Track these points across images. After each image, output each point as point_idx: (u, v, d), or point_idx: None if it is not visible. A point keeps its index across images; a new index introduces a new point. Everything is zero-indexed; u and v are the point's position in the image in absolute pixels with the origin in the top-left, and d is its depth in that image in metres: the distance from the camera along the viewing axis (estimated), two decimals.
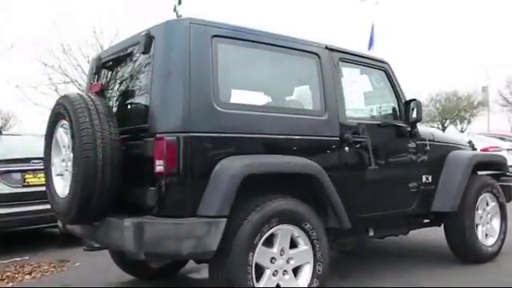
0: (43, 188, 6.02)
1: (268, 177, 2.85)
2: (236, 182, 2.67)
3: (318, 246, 3.06)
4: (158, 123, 2.75)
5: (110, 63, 3.45)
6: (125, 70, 3.28)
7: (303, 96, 3.34)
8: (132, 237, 2.59)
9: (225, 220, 2.65)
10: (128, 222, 2.63)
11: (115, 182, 2.86)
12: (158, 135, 2.70)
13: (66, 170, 3.10)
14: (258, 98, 3.17)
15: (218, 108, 2.82)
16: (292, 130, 3.14)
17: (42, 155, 6.10)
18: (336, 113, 3.41)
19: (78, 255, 4.99)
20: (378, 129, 3.72)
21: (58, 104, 3.06)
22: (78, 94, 3.05)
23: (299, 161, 3.04)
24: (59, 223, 3.73)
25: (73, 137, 2.83)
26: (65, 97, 3.03)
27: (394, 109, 4.00)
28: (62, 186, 3.15)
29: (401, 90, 4.01)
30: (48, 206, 6.10)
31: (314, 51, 3.40)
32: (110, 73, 3.43)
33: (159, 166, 2.66)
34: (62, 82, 17.19)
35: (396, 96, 3.99)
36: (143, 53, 2.93)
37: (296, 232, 2.99)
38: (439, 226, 4.41)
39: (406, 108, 3.95)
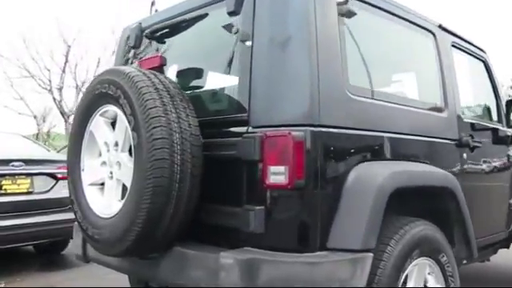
0: (26, 197, 5.15)
1: (409, 191, 2.06)
2: (384, 197, 1.86)
3: (452, 284, 2.30)
4: (274, 113, 1.88)
5: (161, 32, 2.52)
6: (194, 40, 2.38)
7: (421, 85, 2.60)
8: (238, 279, 1.71)
9: (371, 255, 1.83)
10: (230, 259, 1.74)
11: (195, 196, 1.97)
12: (270, 131, 1.83)
13: (111, 178, 2.16)
14: (382, 83, 2.38)
15: (349, 94, 2.00)
16: (415, 129, 2.36)
17: (25, 157, 5.13)
18: (454, 110, 2.67)
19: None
20: (485, 132, 3.03)
21: (102, 82, 2.12)
22: (135, 68, 2.12)
23: (439, 171, 2.27)
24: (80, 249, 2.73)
25: (136, 129, 1.91)
26: (115, 72, 2.09)
27: (490, 109, 3.33)
28: (102, 201, 2.20)
29: (498, 87, 3.35)
30: (30, 220, 5.17)
31: (430, 29, 2.65)
32: (164, 45, 2.51)
33: (276, 174, 1.79)
34: (20, 76, 15.58)
35: (495, 94, 3.31)
36: (232, 14, 2.06)
37: (429, 267, 2.22)
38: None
39: (507, 109, 3.29)
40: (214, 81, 2.25)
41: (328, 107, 1.87)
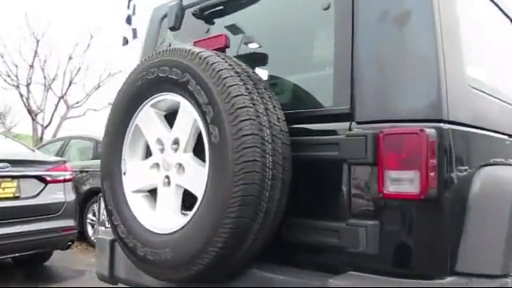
0: (12, 203, 4.52)
1: None
2: None
3: None
4: (389, 105, 1.51)
5: (215, 10, 2.11)
6: (264, 17, 1.98)
7: None
8: None
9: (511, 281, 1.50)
10: None
11: (283, 208, 1.58)
12: (387, 127, 1.47)
13: (167, 184, 1.74)
14: (498, 78, 2.05)
15: (470, 87, 1.66)
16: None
17: (10, 157, 4.53)
18: None
19: None
20: None
21: (159, 65, 1.70)
22: (203, 48, 1.71)
23: None
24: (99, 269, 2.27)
25: (216, 123, 1.50)
26: (179, 52, 1.66)
27: None
28: (153, 212, 1.78)
29: None
30: (16, 229, 4.56)
31: None
32: (218, 25, 2.09)
33: (399, 182, 1.43)
34: None
35: None
36: None
37: None
38: None
39: None
40: (296, 66, 1.86)
41: (454, 100, 1.52)
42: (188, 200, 1.71)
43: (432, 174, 1.40)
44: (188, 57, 1.62)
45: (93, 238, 6.45)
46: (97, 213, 6.47)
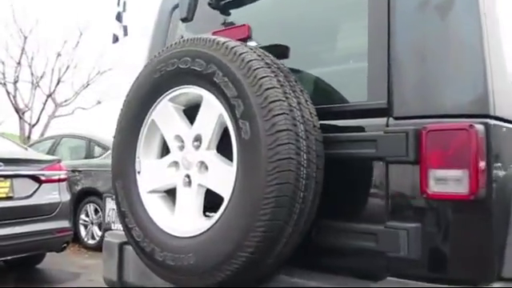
0: (4, 203, 4.31)
1: None
2: None
3: None
4: (432, 100, 1.40)
5: None
6: (285, 4, 1.86)
7: None
8: None
9: None
10: None
11: (315, 209, 1.47)
12: (430, 123, 1.36)
13: (188, 184, 1.61)
14: None
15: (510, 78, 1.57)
16: None
17: (3, 155, 4.34)
18: None
19: None
20: None
21: (180, 55, 1.58)
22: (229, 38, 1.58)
23: None
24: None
25: (247, 117, 1.39)
26: (202, 42, 1.54)
27: None
28: (172, 214, 1.66)
29: None
30: (9, 231, 4.37)
31: None
32: (236, 15, 1.97)
33: (445, 181, 1.33)
34: None
35: None
36: None
37: None
38: None
39: None
40: (326, 58, 1.75)
41: (499, 94, 1.43)
42: (209, 200, 1.60)
43: (481, 172, 1.30)
44: (213, 47, 1.50)
45: (86, 239, 6.28)
46: (90, 213, 6.31)
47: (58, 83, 15.94)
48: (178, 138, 1.66)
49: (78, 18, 15.60)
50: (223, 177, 1.49)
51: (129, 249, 2.09)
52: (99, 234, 6.16)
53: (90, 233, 6.26)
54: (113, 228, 2.40)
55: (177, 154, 1.66)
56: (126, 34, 14.34)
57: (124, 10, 13.98)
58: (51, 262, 5.15)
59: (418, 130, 1.37)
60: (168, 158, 1.69)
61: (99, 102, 16.90)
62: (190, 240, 1.54)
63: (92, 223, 6.25)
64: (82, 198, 6.32)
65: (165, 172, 1.69)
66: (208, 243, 1.47)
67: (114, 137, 1.86)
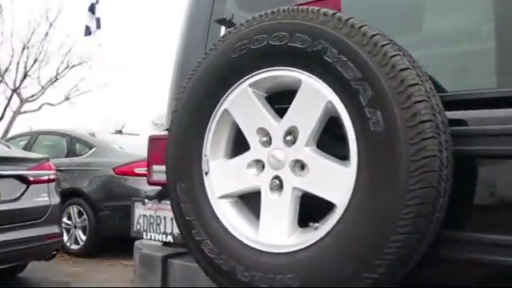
0: None
1: None
2: None
3: None
4: None
5: None
6: None
7: None
8: None
9: None
10: None
11: (443, 215, 1.22)
12: None
13: (278, 188, 1.32)
14: None
15: None
16: None
17: None
18: None
19: None
20: None
21: (271, 30, 1.28)
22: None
23: None
24: None
25: (377, 104, 1.11)
26: (304, 13, 1.25)
27: None
28: (257, 225, 1.36)
29: None
30: None
31: None
32: None
33: None
34: None
35: None
36: None
37: None
38: None
39: None
40: (441, 38, 1.49)
41: None
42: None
43: None
44: (319, 18, 1.22)
45: (68, 244, 5.82)
46: (73, 216, 5.84)
47: (24, 77, 15.05)
48: (262, 131, 1.36)
49: (47, 9, 14.65)
50: (332, 179, 1.21)
51: (175, 263, 1.79)
52: (83, 238, 5.72)
53: (72, 237, 5.80)
54: (144, 237, 2.07)
55: (260, 152, 1.36)
56: (99, 26, 13.77)
57: (97, 1, 13.39)
58: (34, 271, 4.70)
59: None
60: (247, 156, 1.39)
61: (68, 98, 16.12)
62: (287, 257, 1.25)
63: (75, 227, 5.79)
64: (64, 199, 5.81)
65: (243, 173, 1.39)
66: (317, 261, 1.19)
67: (170, 130, 1.54)
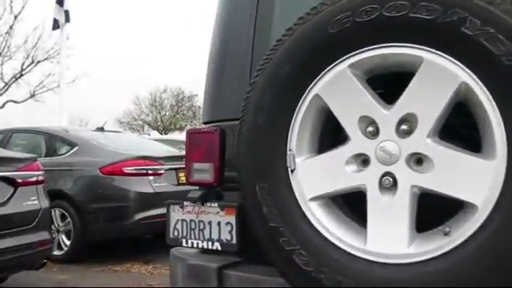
0: None
1: None
2: None
3: None
4: None
5: None
6: None
7: None
8: None
9: None
10: None
11: None
12: None
13: (392, 186, 1.11)
14: None
15: None
16: None
17: None
18: None
19: None
20: None
21: (384, 1, 1.08)
22: None
23: None
24: None
25: None
26: None
27: None
28: (361, 230, 1.15)
29: None
30: None
31: None
32: None
33: None
34: None
35: None
36: None
37: None
38: None
39: None
40: None
41: None
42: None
43: None
44: None
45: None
46: (56, 220, 5.45)
47: None
48: (366, 120, 1.15)
49: (11, 0, 13.86)
50: (469, 175, 1.02)
51: (232, 275, 1.56)
52: (68, 243, 5.34)
53: (55, 242, 5.40)
54: (184, 244, 1.82)
55: (363, 144, 1.15)
56: (68, 20, 13.09)
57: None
58: (17, 279, 4.31)
59: None
60: (345, 150, 1.17)
61: (33, 95, 15.36)
62: (409, 269, 1.05)
63: (58, 231, 5.38)
64: None
65: (340, 170, 1.18)
66: (454, 275, 1.00)
67: (243, 120, 1.31)
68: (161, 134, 30.80)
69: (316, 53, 1.18)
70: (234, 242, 1.66)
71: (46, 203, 3.72)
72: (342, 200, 1.24)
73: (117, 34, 51.06)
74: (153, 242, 6.41)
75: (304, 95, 1.21)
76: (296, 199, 1.21)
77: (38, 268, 3.72)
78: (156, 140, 8.09)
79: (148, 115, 37.99)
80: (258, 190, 1.24)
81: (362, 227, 1.17)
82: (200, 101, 37.42)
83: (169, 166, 5.62)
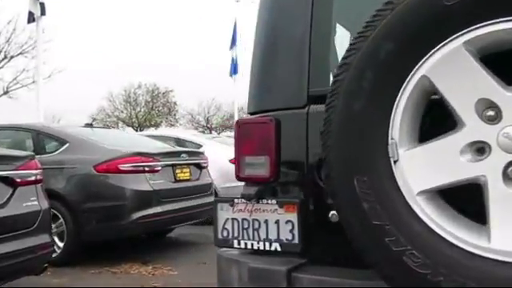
0: None
1: None
2: None
3: None
4: None
5: None
6: None
7: None
8: None
9: None
10: None
11: None
12: None
13: None
14: None
15: None
16: None
17: None
18: None
19: None
20: None
21: None
22: None
23: None
24: None
25: None
26: None
27: None
28: (484, 227, 1.03)
29: None
30: None
31: None
32: None
33: None
34: None
35: None
36: None
37: None
38: None
39: None
40: None
41: None
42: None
43: None
44: None
45: None
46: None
47: None
48: (485, 103, 1.03)
49: None
50: None
51: (303, 278, 1.42)
52: (60, 245, 5.07)
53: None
54: (236, 246, 1.67)
55: (482, 130, 1.03)
56: (43, 13, 12.58)
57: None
58: (8, 284, 4.06)
59: None
60: (460, 137, 1.05)
61: (6, 92, 14.77)
62: None
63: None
64: None
65: (454, 160, 1.05)
66: None
67: (332, 106, 1.16)
68: (136, 130, 30.23)
69: (426, 28, 1.05)
70: (297, 241, 1.52)
71: (45, 204, 3.50)
72: (446, 194, 1.11)
73: (93, 25, 49.87)
74: (148, 242, 6.20)
75: (409, 77, 1.08)
76: (402, 194, 1.08)
77: (39, 273, 3.50)
78: (147, 136, 7.86)
79: (122, 112, 37.24)
80: (357, 185, 1.11)
81: (478, 223, 1.06)
82: (176, 96, 36.97)
83: (165, 163, 5.42)
